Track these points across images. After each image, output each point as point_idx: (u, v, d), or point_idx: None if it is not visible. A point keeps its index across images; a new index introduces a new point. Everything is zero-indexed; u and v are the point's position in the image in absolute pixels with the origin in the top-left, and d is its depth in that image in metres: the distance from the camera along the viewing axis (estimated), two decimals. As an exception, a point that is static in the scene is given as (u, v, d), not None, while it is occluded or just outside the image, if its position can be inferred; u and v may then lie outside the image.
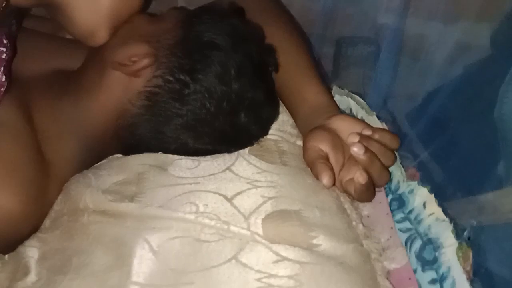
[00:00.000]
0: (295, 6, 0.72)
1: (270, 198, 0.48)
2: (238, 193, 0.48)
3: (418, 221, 0.46)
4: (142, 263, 0.40)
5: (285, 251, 0.41)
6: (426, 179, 0.49)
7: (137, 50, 0.50)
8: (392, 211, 0.50)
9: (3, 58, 0.48)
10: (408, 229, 0.47)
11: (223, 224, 0.44)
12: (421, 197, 0.47)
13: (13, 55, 0.51)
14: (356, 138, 0.50)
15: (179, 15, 0.55)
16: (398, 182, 0.51)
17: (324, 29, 0.77)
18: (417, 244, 0.45)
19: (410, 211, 0.47)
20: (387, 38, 0.66)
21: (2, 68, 0.48)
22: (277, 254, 0.41)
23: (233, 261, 0.40)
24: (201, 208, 0.46)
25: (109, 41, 0.53)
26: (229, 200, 0.47)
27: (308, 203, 0.48)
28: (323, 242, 0.44)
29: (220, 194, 0.48)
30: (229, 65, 0.52)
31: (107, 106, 0.52)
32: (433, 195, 0.47)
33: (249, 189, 0.49)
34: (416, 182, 0.49)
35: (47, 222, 0.48)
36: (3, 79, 0.48)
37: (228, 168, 0.51)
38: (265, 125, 0.57)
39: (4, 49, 0.48)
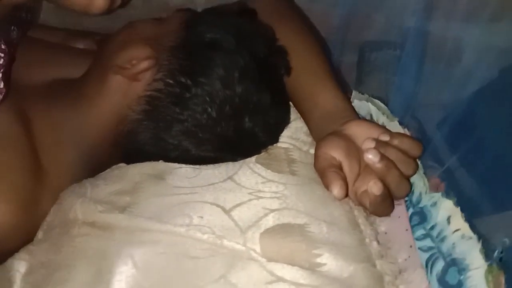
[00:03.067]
0: (314, 12, 0.68)
1: (272, 211, 0.42)
2: (238, 205, 0.43)
3: (441, 238, 0.39)
4: (122, 281, 0.36)
5: (281, 270, 0.36)
6: (451, 191, 0.42)
7: (137, 52, 0.47)
8: (412, 226, 0.43)
9: (0, 64, 0.46)
10: (430, 248, 0.39)
11: (217, 239, 0.39)
12: (446, 211, 0.40)
13: (11, 61, 0.49)
14: (372, 144, 0.44)
15: (183, 16, 0.52)
16: (420, 194, 0.44)
17: (345, 35, 0.72)
18: (439, 265, 0.37)
19: (432, 227, 0.40)
20: (410, 41, 0.60)
21: (0, 74, 0.46)
22: (271, 273, 0.35)
23: (222, 280, 0.35)
24: (195, 221, 0.41)
25: (110, 46, 0.50)
26: (227, 212, 0.42)
27: (315, 216, 0.42)
28: (327, 261, 0.38)
29: (218, 206, 0.43)
30: (232, 67, 0.47)
31: (107, 112, 0.49)
32: (459, 208, 0.39)
33: (250, 200, 0.43)
34: (440, 193, 0.42)
35: (40, 234, 0.45)
36: (1, 86, 0.46)
37: (230, 177, 0.46)
38: (273, 130, 0.52)
39: (2, 55, 0.46)
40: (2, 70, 0.46)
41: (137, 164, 0.50)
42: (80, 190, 0.47)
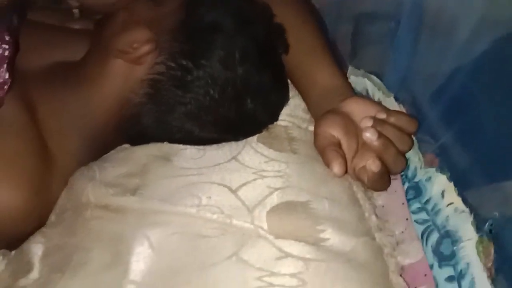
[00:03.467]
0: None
1: (276, 189, 0.45)
2: (244, 184, 0.45)
3: (435, 211, 0.41)
4: (140, 261, 0.38)
5: (289, 246, 0.38)
6: (445, 166, 0.44)
7: (138, 36, 0.48)
8: (408, 200, 0.45)
9: (5, 56, 0.46)
10: (425, 221, 0.42)
11: (226, 218, 0.41)
12: (440, 185, 0.42)
13: (16, 51, 0.49)
14: (370, 123, 0.46)
15: None
16: (416, 169, 0.47)
17: (341, 5, 0.71)
18: (434, 237, 0.40)
19: (427, 201, 0.43)
20: (405, 13, 0.60)
21: (5, 65, 0.46)
22: (280, 250, 0.38)
23: (234, 258, 0.38)
24: (204, 201, 0.43)
25: (110, 28, 0.50)
26: (234, 191, 0.44)
27: (317, 193, 0.45)
28: (331, 236, 0.40)
29: (225, 186, 0.45)
30: (233, 48, 0.48)
31: (109, 96, 0.49)
32: (452, 183, 0.42)
33: (255, 179, 0.45)
34: (434, 168, 0.44)
35: (52, 217, 0.47)
36: (7, 76, 0.46)
37: (234, 158, 0.48)
38: (274, 110, 0.53)
39: (7, 46, 0.46)
40: (7, 61, 0.46)
41: (143, 146, 0.51)
42: (89, 173, 0.48)
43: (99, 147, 0.52)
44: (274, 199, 0.44)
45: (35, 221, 0.46)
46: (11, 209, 0.44)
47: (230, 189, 0.44)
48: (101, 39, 0.51)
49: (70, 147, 0.50)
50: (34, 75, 0.51)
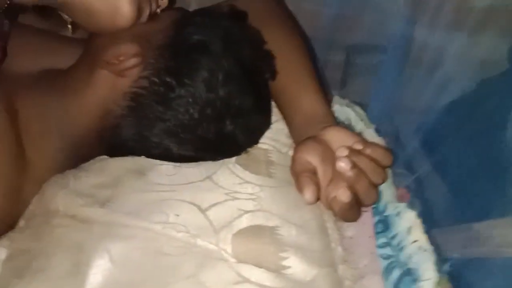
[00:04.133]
0: (302, 11, 0.69)
1: (246, 212, 0.45)
2: (214, 205, 0.45)
3: (400, 248, 0.41)
4: (98, 274, 0.38)
5: (248, 271, 0.38)
6: (417, 201, 0.44)
7: (125, 49, 0.48)
8: (376, 234, 0.45)
9: None
10: (389, 256, 0.42)
11: (190, 238, 0.41)
12: (407, 221, 0.42)
13: (3, 57, 0.49)
14: (345, 152, 0.46)
15: (173, 15, 0.53)
16: (387, 203, 0.47)
17: (333, 35, 0.73)
18: (396, 274, 0.40)
19: (394, 236, 0.43)
20: (393, 46, 0.61)
21: None
22: (239, 274, 0.38)
23: (192, 279, 0.37)
24: (171, 219, 0.43)
25: (101, 40, 0.51)
26: (203, 211, 0.44)
27: (286, 219, 0.45)
28: (293, 264, 0.40)
29: (194, 204, 0.45)
30: (217, 70, 0.49)
31: (92, 105, 0.50)
32: (420, 220, 0.42)
33: (226, 200, 0.45)
34: (404, 204, 0.44)
35: (21, 222, 0.47)
36: None
37: (208, 177, 0.48)
38: (253, 134, 0.53)
39: None
40: None
41: (119, 158, 0.51)
42: (63, 181, 0.48)
43: (77, 156, 0.52)
44: (243, 222, 0.44)
45: (3, 224, 0.46)
46: None
47: (199, 208, 0.44)
48: (91, 49, 0.52)
49: (48, 153, 0.50)
50: (21, 79, 0.52)
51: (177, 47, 0.50)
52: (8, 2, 0.42)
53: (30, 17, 0.59)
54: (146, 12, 0.50)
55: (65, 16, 0.51)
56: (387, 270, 0.41)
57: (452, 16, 0.61)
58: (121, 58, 0.48)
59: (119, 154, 0.52)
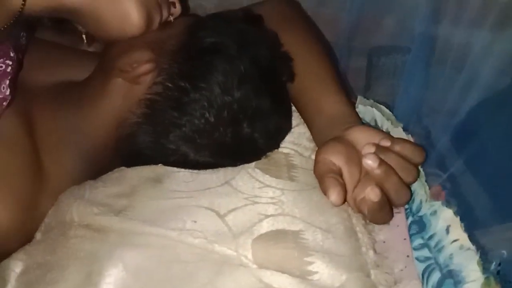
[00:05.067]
0: (321, 17, 0.67)
1: (267, 216, 0.41)
2: (233, 210, 0.42)
3: (438, 249, 0.37)
4: (111, 284, 0.35)
5: (269, 277, 0.34)
6: (453, 199, 0.40)
7: (138, 56, 0.47)
8: (411, 236, 0.41)
9: (8, 72, 0.46)
10: (427, 258, 0.38)
11: (208, 244, 0.38)
12: (445, 220, 0.38)
13: (19, 68, 0.49)
14: (371, 149, 0.43)
15: (187, 21, 0.52)
16: (421, 202, 0.42)
17: (353, 40, 0.70)
18: (435, 277, 0.36)
19: (431, 237, 0.39)
20: (416, 45, 0.58)
21: (7, 81, 0.46)
22: (259, 280, 0.34)
23: (209, 286, 0.34)
24: (188, 225, 0.40)
25: (114, 50, 0.50)
26: (221, 216, 0.41)
27: (311, 223, 0.41)
28: (319, 269, 0.36)
29: (212, 210, 0.42)
30: (232, 72, 0.47)
31: (108, 115, 0.49)
32: (458, 218, 0.37)
33: (245, 205, 0.43)
34: (440, 202, 0.40)
35: (38, 235, 0.45)
36: (7, 93, 0.46)
37: (227, 182, 0.46)
38: (273, 136, 0.50)
39: (10, 62, 0.47)
40: (9, 78, 0.46)
41: (137, 167, 0.49)
42: (79, 192, 0.47)
43: (95, 167, 0.51)
44: (264, 227, 0.40)
45: (21, 238, 0.45)
46: None
47: (218, 213, 0.42)
48: (105, 59, 0.51)
49: (66, 165, 0.49)
50: (37, 92, 0.52)
51: (190, 50, 0.48)
52: (20, 11, 0.42)
53: (47, 33, 0.59)
54: (157, 20, 0.49)
55: (79, 27, 0.50)
56: (426, 274, 0.36)
57: (476, 12, 0.58)
58: (134, 65, 0.47)
59: (136, 163, 0.50)
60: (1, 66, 0.46)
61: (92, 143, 0.49)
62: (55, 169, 0.48)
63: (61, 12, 0.45)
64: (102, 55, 0.53)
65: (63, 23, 0.54)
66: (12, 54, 0.47)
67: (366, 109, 0.57)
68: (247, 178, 0.46)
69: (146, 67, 0.47)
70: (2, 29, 0.43)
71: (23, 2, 0.41)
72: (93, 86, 0.51)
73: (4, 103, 0.46)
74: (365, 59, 0.72)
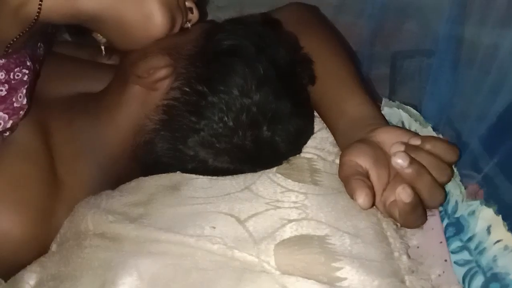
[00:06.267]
0: (341, 24, 0.65)
1: (290, 221, 0.39)
2: (253, 215, 0.40)
3: (480, 251, 0.33)
4: (125, 293, 0.32)
5: (294, 284, 0.32)
6: (491, 198, 0.36)
7: (155, 62, 0.46)
8: (447, 239, 0.37)
9: (25, 80, 0.46)
10: (467, 262, 0.34)
11: (227, 250, 0.36)
12: (485, 220, 0.35)
13: (36, 78, 0.49)
14: (400, 148, 0.40)
15: (204, 26, 0.50)
16: (456, 203, 0.39)
17: (374, 46, 0.68)
18: (479, 281, 0.32)
19: (470, 239, 0.35)
20: (442, 47, 0.55)
21: (24, 90, 0.46)
22: (283, 287, 0.31)
23: (229, 294, 0.31)
24: (207, 231, 0.38)
25: (130, 56, 0.49)
26: (242, 222, 0.39)
27: (337, 227, 0.38)
28: (348, 275, 0.33)
29: (232, 216, 0.39)
30: (251, 74, 0.45)
31: (125, 122, 0.47)
32: (500, 217, 0.34)
33: (267, 210, 0.40)
34: (478, 201, 0.36)
35: (53, 246, 0.44)
36: (24, 102, 0.45)
37: (247, 187, 0.43)
38: (294, 140, 0.48)
39: (27, 71, 0.46)
40: (26, 87, 0.46)
41: (155, 176, 0.48)
42: (95, 201, 0.45)
43: (112, 177, 0.49)
44: (286, 232, 0.38)
45: (36, 248, 0.43)
46: (10, 235, 0.41)
47: (237, 219, 0.39)
48: (122, 67, 0.50)
49: (82, 175, 0.48)
50: (54, 103, 0.51)
51: (208, 54, 0.47)
52: (35, 19, 0.41)
53: (65, 47, 0.59)
54: (179, 22, 0.48)
55: (99, 37, 0.49)
56: (467, 278, 0.33)
57: (504, 11, 0.55)
58: (151, 71, 0.46)
59: (154, 171, 0.48)
60: (18, 75, 0.45)
61: (109, 153, 0.48)
62: (70, 179, 0.47)
63: (80, 20, 0.45)
64: (119, 65, 0.52)
65: (82, 35, 0.53)
66: (28, 64, 0.47)
67: (392, 111, 0.55)
68: (268, 183, 0.44)
69: (163, 72, 0.46)
70: (18, 37, 0.42)
71: (38, 10, 0.41)
72: (110, 95, 0.50)
73: (21, 112, 0.46)
74: (387, 65, 0.70)
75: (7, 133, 0.45)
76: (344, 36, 0.64)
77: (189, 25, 0.51)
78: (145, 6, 0.45)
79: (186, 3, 0.49)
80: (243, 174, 0.46)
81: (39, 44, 0.50)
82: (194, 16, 0.51)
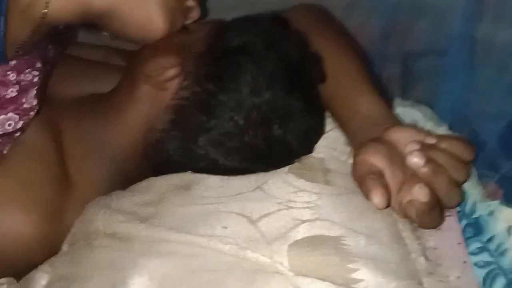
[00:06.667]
0: (352, 24, 0.64)
1: (303, 221, 0.38)
2: (266, 215, 0.39)
3: (500, 252, 0.32)
4: (135, 293, 0.32)
5: (309, 285, 0.31)
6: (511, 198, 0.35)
7: (165, 61, 0.46)
8: (466, 240, 0.36)
9: (35, 82, 0.46)
10: (487, 263, 0.33)
11: (239, 250, 0.35)
12: (505, 221, 0.33)
13: (46, 79, 0.49)
14: (416, 146, 0.38)
15: (213, 24, 0.50)
16: (475, 203, 0.38)
17: (386, 46, 0.67)
18: (500, 283, 0.31)
19: (490, 239, 0.34)
20: (456, 46, 0.54)
21: (34, 92, 0.45)
22: (298, 289, 0.30)
23: (241, 296, 0.30)
24: (218, 231, 0.37)
25: (140, 56, 0.49)
26: (254, 222, 0.38)
27: (352, 228, 0.37)
28: (365, 276, 0.32)
29: (244, 216, 0.39)
30: (261, 72, 0.44)
31: (135, 123, 0.47)
32: (521, 217, 0.33)
33: (279, 210, 0.39)
34: (498, 201, 0.35)
35: (65, 247, 0.43)
36: (34, 103, 0.45)
37: (259, 187, 0.42)
38: (306, 138, 0.47)
39: (37, 73, 0.46)
40: (36, 88, 0.46)
41: (165, 175, 0.47)
42: (106, 201, 0.44)
43: (123, 177, 0.49)
44: (300, 232, 0.37)
45: (46, 248, 0.43)
46: (22, 235, 0.41)
47: (249, 219, 0.38)
48: (131, 67, 0.50)
49: (92, 175, 0.47)
50: (64, 104, 0.51)
51: (217, 52, 0.46)
52: (43, 17, 0.41)
53: (75, 47, 0.59)
54: (180, 23, 0.48)
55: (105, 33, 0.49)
56: (488, 281, 0.31)
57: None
58: (161, 71, 0.45)
59: (165, 171, 0.48)
60: (28, 76, 0.45)
61: (119, 152, 0.48)
62: (81, 179, 0.46)
63: (87, 18, 0.45)
64: (127, 65, 0.52)
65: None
66: (38, 65, 0.46)
67: (405, 110, 0.54)
68: (280, 182, 0.43)
69: (173, 71, 0.46)
70: (28, 37, 0.42)
71: (44, 10, 0.40)
72: (119, 95, 0.49)
73: (32, 113, 0.45)
74: (399, 65, 0.69)
75: (18, 134, 0.45)
76: (356, 35, 0.63)
77: (190, 21, 0.51)
78: (148, 8, 0.45)
79: (187, 2, 0.49)
80: (254, 174, 0.46)
81: (48, 46, 0.50)
82: (195, 15, 0.51)
